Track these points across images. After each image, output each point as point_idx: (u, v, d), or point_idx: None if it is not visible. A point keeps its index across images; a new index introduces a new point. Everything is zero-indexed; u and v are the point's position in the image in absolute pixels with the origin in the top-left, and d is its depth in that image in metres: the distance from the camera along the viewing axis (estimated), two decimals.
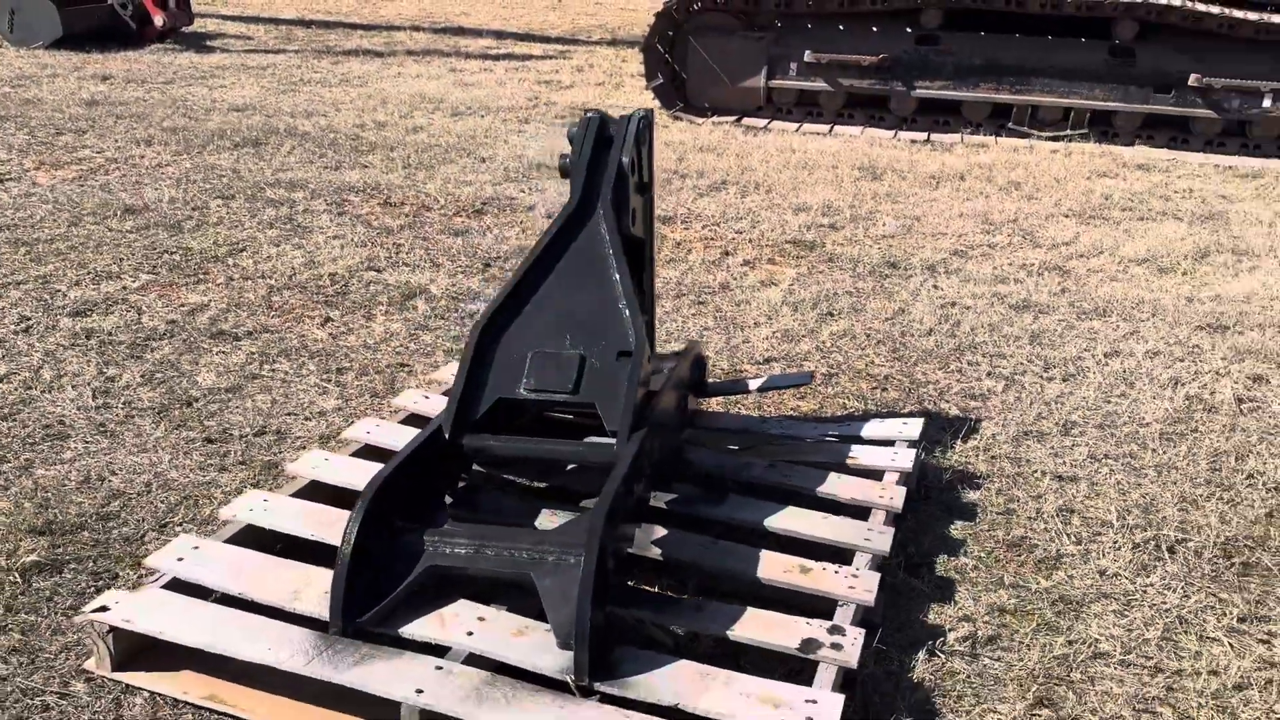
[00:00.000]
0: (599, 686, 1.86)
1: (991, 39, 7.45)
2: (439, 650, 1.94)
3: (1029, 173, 6.43)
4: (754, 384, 3.02)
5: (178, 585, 2.07)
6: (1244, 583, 2.47)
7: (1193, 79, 7.06)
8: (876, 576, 2.20)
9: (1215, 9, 6.88)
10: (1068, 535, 2.64)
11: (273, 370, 3.35)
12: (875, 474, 2.67)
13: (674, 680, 1.86)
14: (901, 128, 7.71)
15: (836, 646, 1.96)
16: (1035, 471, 2.96)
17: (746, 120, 7.84)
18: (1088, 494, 2.84)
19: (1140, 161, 6.88)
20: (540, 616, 2.01)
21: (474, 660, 1.91)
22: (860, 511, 2.50)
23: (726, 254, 4.71)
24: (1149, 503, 2.81)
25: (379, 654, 1.91)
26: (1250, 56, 6.95)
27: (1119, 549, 2.58)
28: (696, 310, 4.04)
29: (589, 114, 2.79)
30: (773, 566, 2.21)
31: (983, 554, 2.55)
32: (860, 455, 2.72)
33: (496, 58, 10.17)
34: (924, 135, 7.52)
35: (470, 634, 1.96)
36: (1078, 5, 7.10)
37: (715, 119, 7.83)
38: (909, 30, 7.59)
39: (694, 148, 6.82)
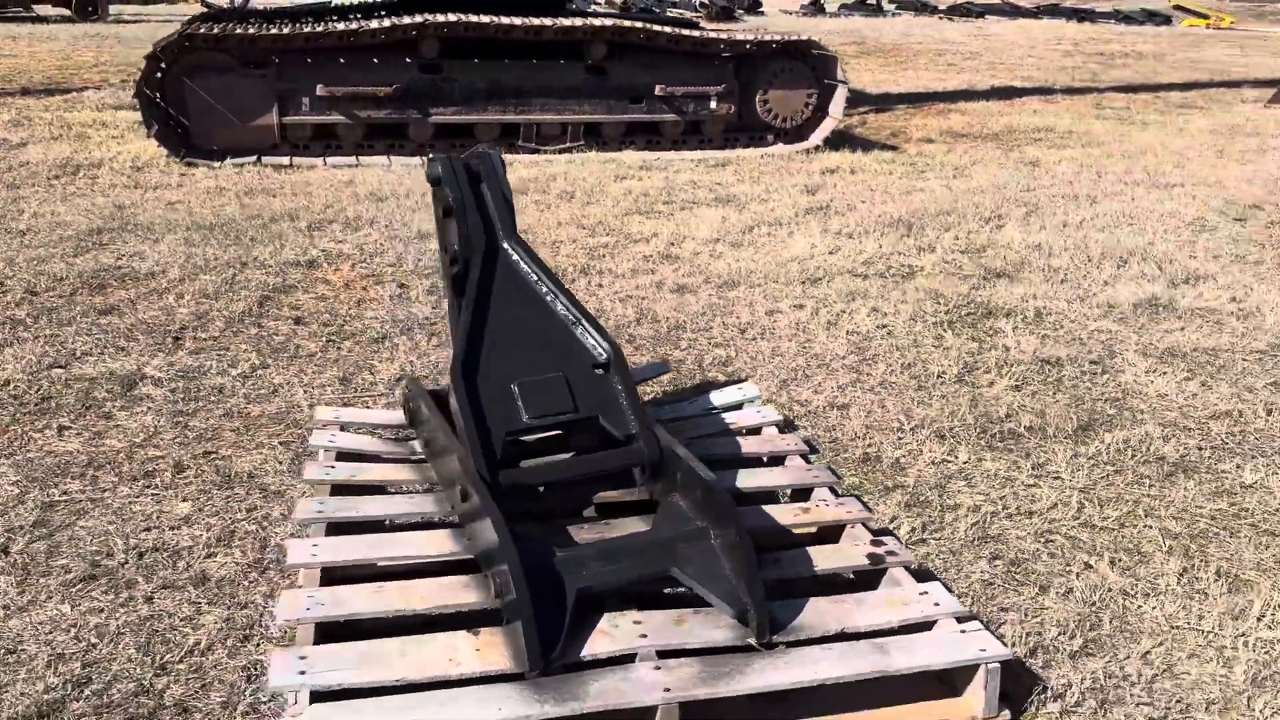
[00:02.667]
0: (776, 639, 2.12)
1: (486, 65, 8.05)
2: (624, 660, 2.04)
3: (569, 183, 7.18)
4: None
5: (323, 696, 1.89)
6: (1013, 445, 3.37)
7: (658, 89, 8.31)
8: (854, 499, 2.69)
9: (668, 29, 8.20)
10: (887, 443, 3.35)
11: (65, 493, 2.85)
12: (756, 430, 3.13)
13: (823, 614, 2.19)
14: (423, 153, 8.01)
15: (892, 553, 2.42)
16: (818, 407, 3.63)
17: (266, 159, 7.60)
18: (866, 413, 3.59)
19: (640, 163, 7.99)
20: (670, 605, 2.19)
21: (666, 655, 2.05)
22: (778, 459, 2.95)
23: (403, 286, 4.76)
24: (905, 409, 3.63)
25: (594, 677, 1.96)
26: (697, 67, 8.39)
27: (924, 443, 3.35)
28: (440, 340, 4.11)
29: (439, 156, 2.85)
30: (785, 515, 2.58)
31: (855, 473, 3.15)
32: (738, 419, 3.17)
33: None
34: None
35: (644, 636, 2.08)
36: (556, 30, 7.98)
37: (232, 161, 7.48)
38: (409, 60, 7.90)
39: (245, 191, 6.54)
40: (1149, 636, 2.40)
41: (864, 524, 2.58)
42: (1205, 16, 26.38)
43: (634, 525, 2.49)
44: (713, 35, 8.32)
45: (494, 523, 2.09)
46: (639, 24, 8.18)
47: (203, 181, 6.83)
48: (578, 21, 8.05)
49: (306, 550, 2.33)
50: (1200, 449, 3.37)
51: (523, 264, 2.73)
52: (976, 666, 2.06)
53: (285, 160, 7.62)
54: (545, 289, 2.70)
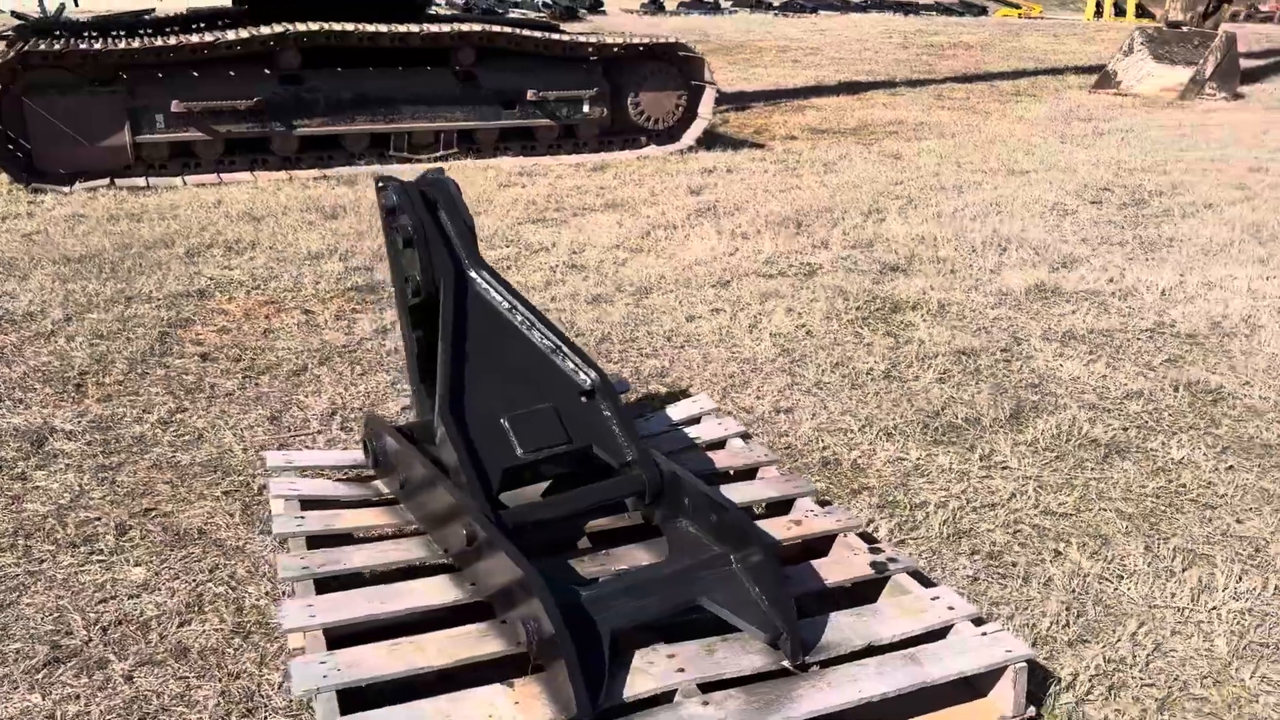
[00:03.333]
0: (808, 660, 2.12)
1: (350, 74, 7.78)
2: (665, 698, 2.00)
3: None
4: None
5: None
6: (956, 438, 3.48)
7: (530, 94, 8.22)
8: (842, 508, 2.71)
9: (538, 34, 8.11)
10: (840, 445, 3.41)
11: None
12: (720, 443, 3.13)
13: (845, 629, 2.20)
14: (290, 167, 7.69)
15: (892, 559, 2.46)
16: (764, 413, 3.66)
17: (120, 182, 7.14)
18: (811, 415, 3.63)
19: (518, 169, 7.89)
20: (695, 632, 2.16)
21: (705, 688, 2.02)
22: (751, 472, 2.96)
23: (308, 313, 4.55)
24: (847, 409, 3.70)
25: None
26: (568, 71, 8.33)
27: (875, 443, 3.42)
28: (363, 369, 3.95)
29: (389, 182, 2.74)
30: (778, 529, 2.58)
31: (819, 478, 3.19)
32: (703, 433, 3.16)
33: None
34: (317, 172, 7.61)
35: (681, 670, 2.05)
36: (422, 37, 7.78)
37: (84, 185, 7.01)
38: (268, 71, 7.57)
39: (107, 218, 6.13)
40: (1133, 618, 2.51)
41: (856, 532, 2.61)
42: (1017, 6, 27.95)
43: (635, 553, 2.45)
44: (582, 39, 8.28)
45: (521, 567, 2.01)
46: (507, 28, 8.07)
47: (56, 209, 6.36)
48: (445, 27, 7.88)
49: (303, 612, 2.19)
50: (1125, 429, 3.56)
51: (492, 292, 2.65)
52: (1004, 668, 2.11)
53: (141, 182, 7.19)
54: (520, 317, 2.62)
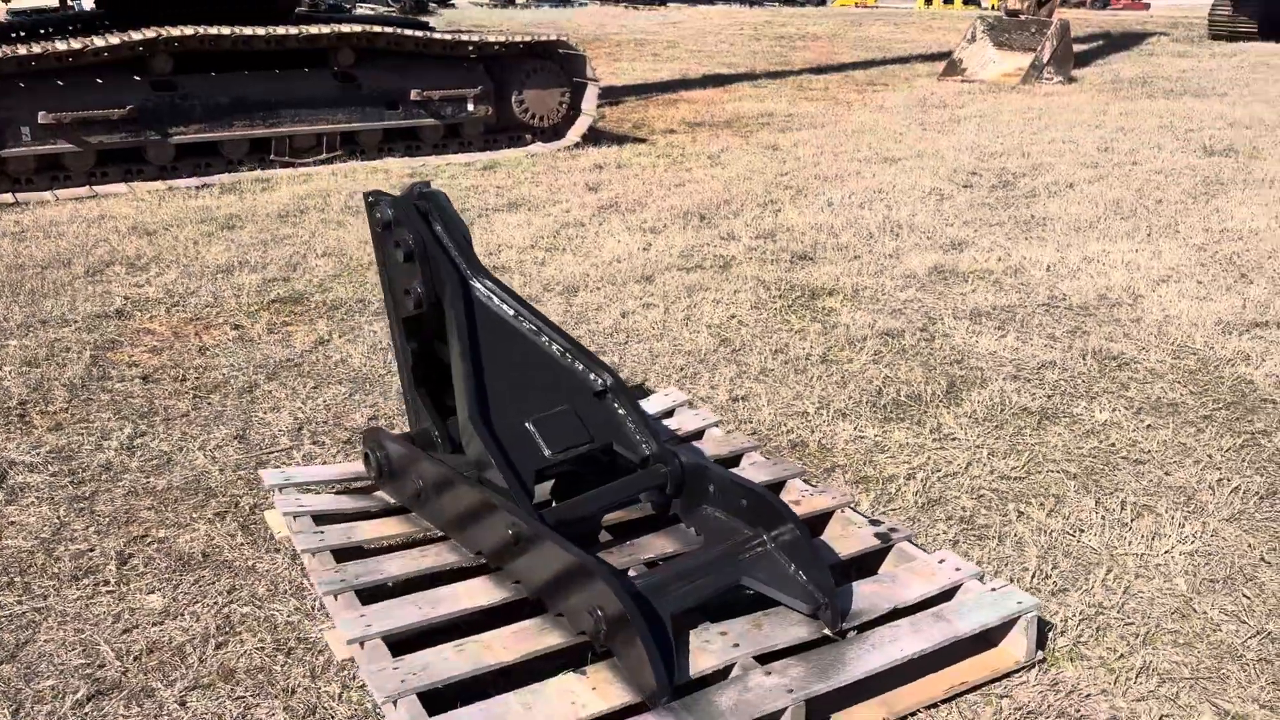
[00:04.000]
0: (844, 626, 2.29)
1: (226, 78, 7.57)
2: (725, 671, 2.14)
3: (349, 197, 6.92)
4: None
5: None
6: (904, 415, 3.72)
7: (413, 94, 8.16)
8: (836, 487, 2.90)
9: (419, 34, 8.06)
10: (802, 428, 3.60)
11: (0, 607, 2.52)
12: (700, 434, 3.28)
13: (870, 596, 2.38)
14: (167, 176, 7.43)
15: (893, 529, 2.66)
16: (722, 402, 3.82)
17: None
18: (767, 402, 3.82)
19: (407, 170, 7.83)
20: (733, 614, 2.31)
21: (761, 660, 2.16)
22: (736, 458, 3.11)
23: (238, 328, 4.46)
24: (799, 393, 3.90)
25: (716, 693, 2.05)
26: (449, 69, 8.31)
27: (833, 424, 3.63)
28: (314, 382, 3.92)
29: (381, 197, 2.77)
30: None
31: (791, 459, 3.37)
32: (682, 423, 3.29)
33: None
34: (198, 180, 7.38)
35: (736, 646, 2.19)
36: (299, 39, 7.64)
37: None
38: (139, 78, 7.30)
39: None
40: (1100, 567, 2.79)
41: (851, 507, 2.80)
42: None
43: (655, 542, 2.57)
44: (463, 38, 8.27)
45: (581, 558, 2.11)
46: (387, 29, 8.00)
47: None
48: (323, 29, 7.75)
49: (359, 621, 2.23)
50: (1050, 397, 3.88)
51: (495, 299, 2.71)
52: (1017, 618, 2.33)
53: (9, 198, 6.83)
54: (527, 323, 2.69)
